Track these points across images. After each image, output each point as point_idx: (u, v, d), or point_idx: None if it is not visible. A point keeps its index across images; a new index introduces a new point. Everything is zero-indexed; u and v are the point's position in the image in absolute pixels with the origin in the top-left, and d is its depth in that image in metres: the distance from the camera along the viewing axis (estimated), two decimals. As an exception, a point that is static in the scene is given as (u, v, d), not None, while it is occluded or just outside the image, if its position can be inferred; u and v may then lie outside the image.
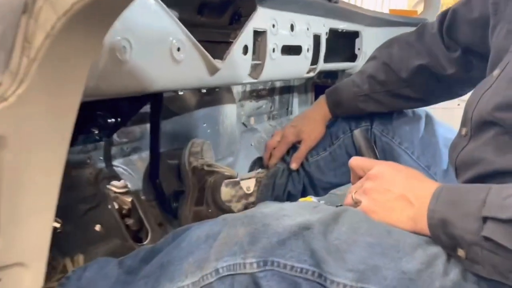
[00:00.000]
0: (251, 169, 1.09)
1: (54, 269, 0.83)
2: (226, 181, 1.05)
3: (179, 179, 1.20)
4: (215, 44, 1.04)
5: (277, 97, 1.82)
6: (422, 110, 0.97)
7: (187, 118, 1.29)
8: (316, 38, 1.32)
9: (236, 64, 0.99)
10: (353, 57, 1.66)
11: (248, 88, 1.61)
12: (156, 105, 1.08)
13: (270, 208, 0.58)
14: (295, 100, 1.94)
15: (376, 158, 0.65)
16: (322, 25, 1.34)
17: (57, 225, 0.99)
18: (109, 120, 1.00)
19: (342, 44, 1.62)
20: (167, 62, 0.80)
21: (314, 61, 1.34)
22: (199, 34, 0.85)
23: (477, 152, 0.61)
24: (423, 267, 0.49)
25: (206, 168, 1.10)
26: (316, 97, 1.95)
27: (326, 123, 1.02)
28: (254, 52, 1.07)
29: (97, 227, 1.06)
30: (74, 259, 0.89)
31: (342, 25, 1.48)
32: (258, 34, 1.07)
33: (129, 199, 1.22)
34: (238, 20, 1.08)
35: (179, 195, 1.14)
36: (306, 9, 1.22)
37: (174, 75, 0.83)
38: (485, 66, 0.68)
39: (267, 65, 1.10)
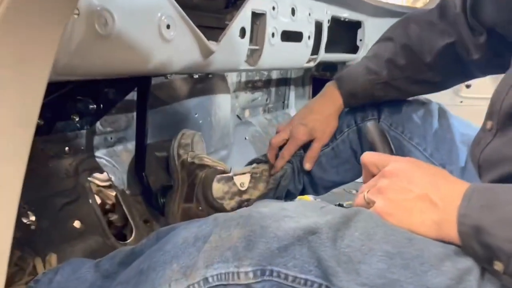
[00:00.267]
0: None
1: (22, 270, 0.74)
2: (218, 176, 0.97)
3: (167, 173, 1.12)
4: (209, 29, 0.95)
5: (273, 89, 1.73)
6: (434, 103, 0.89)
7: (177, 107, 1.20)
8: (318, 25, 1.23)
9: (232, 48, 0.90)
10: (354, 49, 1.58)
11: (243, 78, 1.53)
12: (143, 92, 0.99)
13: (269, 207, 0.49)
14: (292, 93, 1.86)
15: (392, 153, 0.57)
16: (325, 12, 1.25)
17: (31, 220, 0.90)
18: (90, 106, 0.91)
19: (343, 35, 1.54)
20: (155, 40, 0.72)
21: (315, 50, 1.26)
22: (192, 17, 0.76)
23: (504, 149, 0.54)
24: (452, 284, 0.41)
25: (196, 161, 1.01)
26: (314, 91, 1.87)
27: (339, 115, 0.92)
28: (251, 37, 0.98)
29: (76, 223, 0.97)
30: (46, 259, 0.80)
31: (345, 13, 1.40)
32: (257, 17, 0.98)
33: (113, 193, 1.13)
34: (235, 3, 0.99)
35: (167, 190, 1.06)
36: (308, -7, 1.14)
37: (162, 56, 0.74)
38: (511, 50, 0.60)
39: (265, 51, 1.02)
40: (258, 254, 0.45)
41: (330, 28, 1.32)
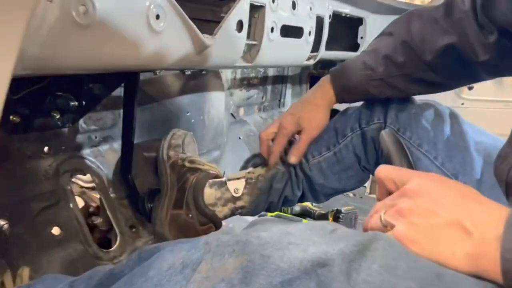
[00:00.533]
0: (244, 168, 0.93)
1: (-11, 286, 0.67)
2: (210, 181, 0.89)
3: (156, 175, 1.04)
4: (204, 21, 0.88)
5: (269, 87, 1.66)
6: (444, 107, 0.82)
7: (168, 104, 1.12)
8: (319, 21, 1.16)
9: (228, 43, 0.83)
10: (354, 47, 1.51)
11: (238, 74, 1.45)
12: (131, 87, 0.91)
13: (270, 230, 0.42)
14: (288, 92, 1.79)
15: (411, 167, 0.50)
16: (326, 7, 1.18)
17: (4, 227, 0.82)
18: (71, 103, 0.83)
19: (343, 31, 1.47)
20: (142, 32, 0.64)
21: (315, 47, 1.18)
22: (184, 8, 0.68)
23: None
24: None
25: (187, 164, 0.94)
26: (311, 89, 1.80)
27: (330, 109, 0.87)
28: (249, 31, 0.90)
29: (54, 230, 0.89)
30: (18, 273, 0.72)
31: (347, 9, 1.33)
32: (255, 9, 0.91)
33: (97, 195, 1.05)
34: (232, -6, 0.91)
35: (155, 194, 0.98)
36: (310, -14, 1.07)
37: (150, 50, 0.66)
38: None
39: (264, 47, 0.94)
40: (258, 288, 0.38)
41: (330, 25, 1.24)
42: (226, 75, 1.37)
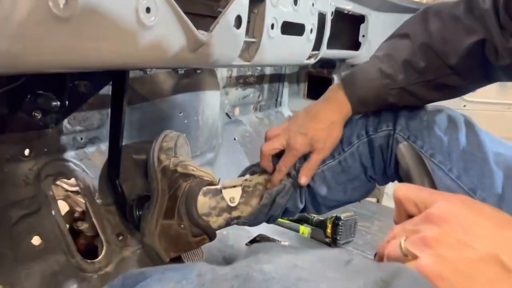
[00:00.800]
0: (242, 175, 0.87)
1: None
2: (204, 188, 0.83)
3: (146, 179, 0.97)
4: (199, 16, 0.81)
5: (266, 86, 1.59)
6: (458, 113, 0.76)
7: (159, 104, 1.05)
8: (321, 18, 1.09)
9: (226, 40, 0.76)
10: (356, 45, 1.45)
11: (234, 73, 1.39)
12: (119, 86, 0.85)
13: (275, 262, 0.36)
14: (285, 91, 1.73)
15: (434, 186, 0.44)
16: (329, 3, 1.12)
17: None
18: (53, 103, 0.76)
19: (344, 29, 1.41)
20: (130, 26, 0.57)
21: (316, 45, 1.12)
22: (178, 2, 0.62)
23: None
24: None
25: (179, 169, 0.87)
26: (309, 89, 1.74)
27: (345, 123, 0.79)
28: (248, 27, 0.84)
29: (34, 240, 0.83)
30: (-10, 292, 0.65)
31: (349, 5, 1.27)
32: (255, 4, 0.84)
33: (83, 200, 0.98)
34: (229, -13, 0.84)
35: (145, 201, 0.92)
36: (312, -20, 1.00)
37: (140, 47, 0.59)
38: None
39: (263, 44, 0.87)
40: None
41: (331, 22, 1.18)
42: (222, 73, 1.31)
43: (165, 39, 0.62)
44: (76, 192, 1.03)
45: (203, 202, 0.82)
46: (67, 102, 0.79)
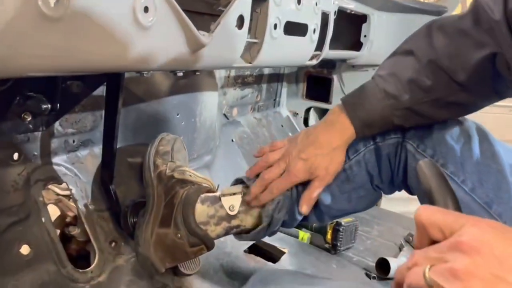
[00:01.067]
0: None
1: None
2: (202, 196, 0.79)
3: (142, 184, 0.93)
4: (199, 16, 0.77)
5: (264, 86, 1.56)
6: (470, 122, 0.73)
7: (156, 105, 1.01)
8: (324, 18, 1.06)
9: (228, 41, 0.72)
10: (357, 45, 1.42)
11: (233, 72, 1.34)
12: (114, 87, 0.81)
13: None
14: (284, 90, 1.69)
15: (458, 209, 0.40)
16: (332, 2, 1.08)
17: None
18: (43, 106, 0.72)
19: (346, 29, 1.38)
20: (127, 27, 0.53)
21: (319, 46, 1.08)
22: (177, 2, 0.58)
23: None
24: None
25: (176, 175, 0.83)
26: (308, 89, 1.70)
27: (348, 146, 0.75)
28: (250, 28, 0.80)
29: (23, 249, 0.79)
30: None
31: (352, 5, 1.23)
32: (258, 3, 0.80)
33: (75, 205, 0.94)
34: (230, -16, 0.80)
35: (140, 207, 0.88)
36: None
37: (137, 48, 0.55)
38: None
39: (266, 45, 0.84)
40: None
41: (334, 22, 1.15)
42: (220, 73, 1.27)
43: (163, 41, 0.58)
44: (68, 197, 0.99)
45: (201, 210, 0.78)
46: (58, 105, 0.74)
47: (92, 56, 0.51)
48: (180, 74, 0.75)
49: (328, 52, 1.16)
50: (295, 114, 1.71)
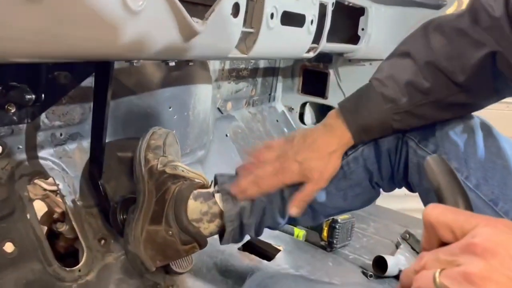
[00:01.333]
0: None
1: None
2: (195, 192, 0.76)
3: (132, 179, 0.90)
4: (193, 4, 0.74)
5: (259, 80, 1.52)
6: (475, 116, 0.70)
7: (147, 97, 0.98)
8: (321, 9, 1.03)
9: (222, 29, 0.69)
10: (354, 40, 1.39)
11: (227, 65, 1.31)
12: (103, 77, 0.77)
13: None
14: (279, 85, 1.66)
15: (469, 208, 0.38)
16: (330, -7, 1.05)
17: None
18: (27, 96, 0.68)
19: (343, 22, 1.34)
20: (115, 11, 0.49)
21: (316, 38, 1.05)
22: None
23: None
24: None
25: (168, 170, 0.80)
26: (304, 83, 1.67)
27: (344, 151, 0.72)
28: (245, 17, 0.77)
29: (7, 246, 0.75)
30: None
31: (350, -3, 1.20)
32: (254, -9, 0.77)
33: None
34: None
35: (130, 203, 0.84)
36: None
37: (126, 35, 0.52)
38: None
39: (261, 35, 0.81)
40: None
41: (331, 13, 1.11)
42: (214, 65, 1.23)
43: (154, 27, 0.55)
44: (55, 192, 0.95)
45: (194, 207, 0.75)
46: (43, 95, 0.70)
47: (77, 42, 0.48)
48: (172, 64, 0.72)
49: (325, 45, 1.13)
50: (291, 109, 1.68)
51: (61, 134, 0.88)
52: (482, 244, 0.32)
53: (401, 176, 0.72)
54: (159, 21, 0.55)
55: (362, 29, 1.37)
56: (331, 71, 1.60)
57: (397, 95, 0.68)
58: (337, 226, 1.13)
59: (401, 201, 1.53)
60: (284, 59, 1.53)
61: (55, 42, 0.46)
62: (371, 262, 1.08)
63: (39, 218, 0.84)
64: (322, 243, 1.15)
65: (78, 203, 0.87)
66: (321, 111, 1.70)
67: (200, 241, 0.75)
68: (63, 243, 0.95)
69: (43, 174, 0.84)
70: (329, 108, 1.61)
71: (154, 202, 0.78)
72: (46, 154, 0.85)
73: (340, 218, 1.15)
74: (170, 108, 1.02)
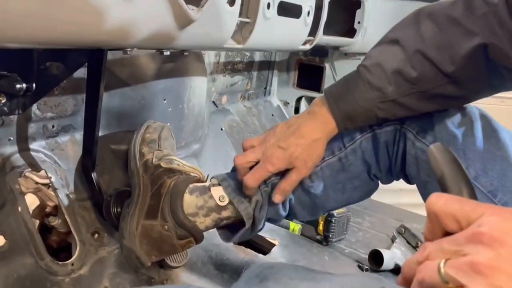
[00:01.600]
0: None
1: None
2: (191, 186, 0.75)
3: (126, 173, 0.89)
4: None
5: (255, 73, 1.51)
6: (473, 107, 0.69)
7: (141, 89, 0.96)
8: (319, 0, 1.02)
9: (218, 18, 0.67)
10: (350, 33, 1.38)
11: (222, 58, 1.30)
12: (96, 68, 0.75)
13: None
14: (275, 79, 1.64)
15: (474, 197, 0.37)
16: (327, -16, 1.04)
17: None
18: (17, 85, 0.66)
19: (339, 15, 1.33)
20: (108, -4, 0.48)
21: (313, 30, 1.04)
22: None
23: None
24: None
25: (163, 164, 0.78)
26: (299, 78, 1.66)
27: (329, 139, 0.70)
28: (242, 6, 0.75)
29: (-3, 240, 0.73)
30: None
31: (347, -11, 1.19)
32: (250, -20, 0.76)
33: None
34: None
35: (123, 197, 0.83)
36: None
37: (119, 21, 0.50)
38: None
39: (258, 25, 0.79)
40: None
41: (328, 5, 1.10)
42: (209, 58, 1.22)
43: (148, 13, 0.53)
44: (47, 185, 0.93)
45: (190, 201, 0.73)
46: (34, 85, 0.68)
47: (68, 27, 0.46)
48: (167, 53, 0.70)
49: (321, 38, 1.12)
50: (286, 104, 1.67)
51: (53, 126, 0.86)
52: (489, 233, 0.31)
53: (399, 168, 0.71)
54: (153, 6, 0.53)
55: (359, 23, 1.36)
56: (327, 65, 1.59)
57: (384, 84, 0.66)
58: (333, 220, 1.12)
59: (396, 196, 1.52)
60: (280, 51, 1.51)
61: (44, 27, 0.45)
62: (367, 256, 1.07)
63: (31, 211, 0.83)
64: (318, 237, 1.14)
65: (71, 196, 0.86)
66: (317, 106, 1.69)
67: (196, 236, 0.73)
68: (56, 238, 0.93)
69: (35, 167, 0.83)
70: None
71: (150, 196, 0.76)
72: (38, 146, 0.84)
73: (336, 212, 1.14)
74: (164, 100, 1.01)
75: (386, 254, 1.04)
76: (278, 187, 0.70)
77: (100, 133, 0.84)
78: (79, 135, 0.90)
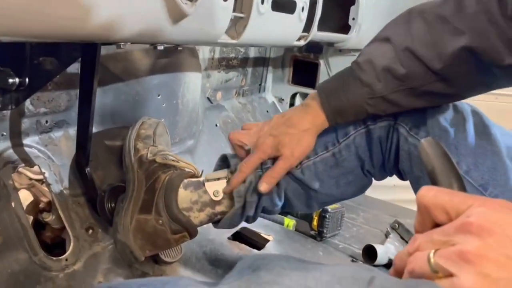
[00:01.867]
0: (219, 167, 0.79)
1: None
2: (185, 181, 0.75)
3: (121, 169, 0.89)
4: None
5: (249, 70, 1.51)
6: (465, 104, 0.70)
7: (135, 85, 0.96)
8: (313, -4, 1.02)
9: (212, 13, 0.67)
10: (345, 30, 1.38)
11: (217, 54, 1.29)
12: (89, 63, 0.75)
13: (281, 284, 0.28)
14: (270, 76, 1.64)
15: (463, 189, 0.37)
16: (321, -20, 1.04)
17: None
18: (10, 80, 0.66)
19: (334, 11, 1.33)
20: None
21: (307, 26, 1.04)
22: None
23: None
24: None
25: (158, 160, 0.79)
26: (294, 74, 1.66)
27: (318, 133, 0.72)
28: (235, 1, 0.75)
29: (-10, 236, 0.73)
30: None
31: (341, -15, 1.19)
32: (244, -25, 0.76)
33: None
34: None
35: (118, 192, 0.83)
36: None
37: (110, 15, 0.50)
38: None
39: (252, 21, 0.79)
40: None
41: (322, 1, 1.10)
42: (203, 53, 1.22)
43: (140, 7, 0.53)
44: (41, 181, 0.93)
45: (184, 196, 0.74)
46: (27, 80, 0.68)
47: (60, 20, 0.46)
48: (161, 48, 0.70)
49: (316, 33, 1.12)
50: (281, 100, 1.67)
51: (46, 121, 0.86)
52: (478, 223, 0.31)
53: (392, 163, 0.72)
54: (146, 0, 0.53)
55: (353, 19, 1.36)
56: (322, 62, 1.59)
57: (373, 80, 0.67)
58: (327, 216, 1.13)
59: (390, 192, 1.53)
60: (275, 46, 1.51)
61: (37, 20, 0.45)
62: (360, 251, 1.08)
63: (24, 207, 0.82)
64: (312, 232, 1.15)
65: (64, 192, 0.86)
66: (311, 102, 1.69)
67: (191, 230, 0.74)
68: (50, 234, 0.93)
69: (28, 162, 0.82)
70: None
71: (144, 191, 0.76)
72: (31, 142, 0.83)
73: (330, 207, 1.14)
74: (158, 96, 1.01)
75: (379, 249, 1.05)
76: (265, 176, 0.71)
77: (94, 129, 0.84)
78: (72, 131, 0.90)
